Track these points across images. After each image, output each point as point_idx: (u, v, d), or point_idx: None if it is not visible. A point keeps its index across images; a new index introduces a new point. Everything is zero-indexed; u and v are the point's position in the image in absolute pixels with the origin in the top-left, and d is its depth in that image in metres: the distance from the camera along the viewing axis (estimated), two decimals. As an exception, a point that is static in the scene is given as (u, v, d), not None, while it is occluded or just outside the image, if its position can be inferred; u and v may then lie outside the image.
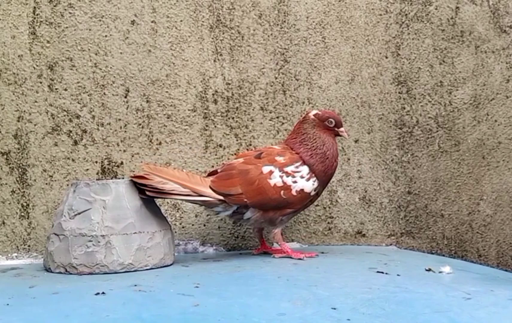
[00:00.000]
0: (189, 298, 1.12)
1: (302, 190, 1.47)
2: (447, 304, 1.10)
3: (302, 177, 1.47)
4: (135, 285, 1.21)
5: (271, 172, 1.46)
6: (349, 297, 1.13)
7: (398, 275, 1.31)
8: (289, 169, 1.47)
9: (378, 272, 1.33)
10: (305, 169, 1.48)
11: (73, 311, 1.06)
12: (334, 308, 1.06)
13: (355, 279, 1.28)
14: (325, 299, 1.12)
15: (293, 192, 1.46)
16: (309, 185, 1.48)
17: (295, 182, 1.46)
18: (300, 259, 1.46)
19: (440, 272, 1.34)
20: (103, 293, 1.15)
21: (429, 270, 1.36)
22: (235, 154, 1.70)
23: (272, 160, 1.48)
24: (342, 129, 1.55)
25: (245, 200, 1.44)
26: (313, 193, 1.49)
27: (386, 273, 1.31)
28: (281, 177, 1.46)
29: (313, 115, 1.53)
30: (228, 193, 1.43)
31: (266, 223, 1.49)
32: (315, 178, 1.49)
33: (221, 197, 1.43)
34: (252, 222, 1.49)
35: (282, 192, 1.45)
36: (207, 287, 1.20)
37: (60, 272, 1.36)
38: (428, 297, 1.15)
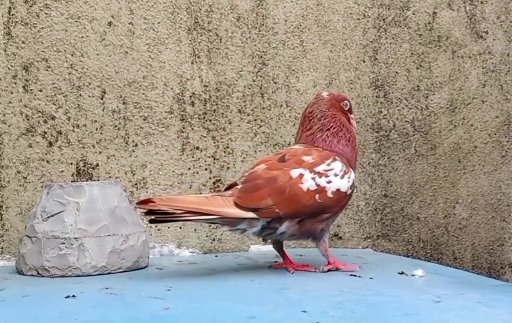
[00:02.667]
0: (160, 301, 1.11)
1: (338, 190, 1.28)
2: (417, 307, 1.11)
3: (336, 175, 1.28)
4: (107, 288, 1.20)
5: (301, 176, 1.27)
6: (320, 300, 1.14)
7: (370, 278, 1.31)
8: (320, 168, 1.28)
9: (351, 275, 1.33)
10: (337, 165, 1.30)
11: (41, 314, 1.05)
12: (304, 311, 1.06)
13: (327, 282, 1.28)
14: (296, 302, 1.13)
15: (329, 194, 1.27)
16: (345, 183, 1.29)
17: (329, 182, 1.28)
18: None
19: (412, 275, 1.35)
20: (73, 296, 1.14)
21: (402, 273, 1.37)
22: (212, 156, 1.70)
23: (299, 161, 1.28)
24: (352, 116, 1.39)
25: (277, 211, 1.25)
26: (349, 191, 1.30)
27: (359, 276, 1.32)
28: (313, 179, 1.27)
29: (327, 94, 1.36)
30: (258, 207, 1.24)
31: (304, 236, 1.30)
32: (349, 173, 1.30)
33: (249, 215, 1.24)
34: (286, 237, 1.30)
35: (317, 195, 1.27)
36: (179, 290, 1.20)
37: (32, 275, 1.35)
38: (398, 300, 1.15)
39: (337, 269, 1.33)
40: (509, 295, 1.23)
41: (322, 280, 1.30)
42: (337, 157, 1.32)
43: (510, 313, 1.08)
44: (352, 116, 1.40)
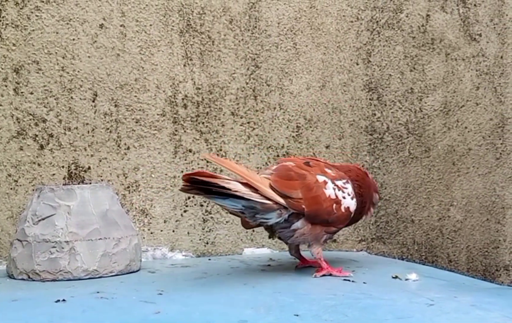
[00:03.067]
0: (151, 305, 1.10)
1: (348, 208, 1.38)
2: (410, 311, 1.10)
3: (349, 194, 1.39)
4: (98, 292, 1.19)
5: (325, 182, 1.36)
6: (313, 304, 1.13)
7: (364, 282, 1.31)
8: (339, 183, 1.38)
9: (345, 279, 1.33)
10: (350, 188, 1.40)
11: (30, 319, 1.04)
12: (297, 315, 1.06)
13: (321, 286, 1.28)
14: (289, 305, 1.12)
15: (342, 209, 1.37)
16: (353, 204, 1.40)
17: (344, 198, 1.37)
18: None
19: (406, 279, 1.35)
20: (63, 300, 1.13)
21: (396, 277, 1.36)
22: (205, 159, 1.69)
23: (322, 170, 1.38)
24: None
25: (303, 206, 1.31)
26: (352, 214, 1.41)
27: (353, 281, 1.31)
28: (334, 189, 1.36)
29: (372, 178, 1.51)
30: (290, 195, 1.29)
31: (310, 237, 1.35)
32: (355, 199, 1.41)
33: (280, 200, 1.27)
34: (297, 235, 1.34)
35: (334, 205, 1.35)
36: (170, 294, 1.19)
37: (22, 279, 1.34)
38: (391, 303, 1.15)
39: (330, 275, 1.36)
40: (503, 298, 1.22)
41: (316, 284, 1.30)
42: (349, 181, 1.41)
43: (504, 316, 1.08)
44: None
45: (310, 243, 1.36)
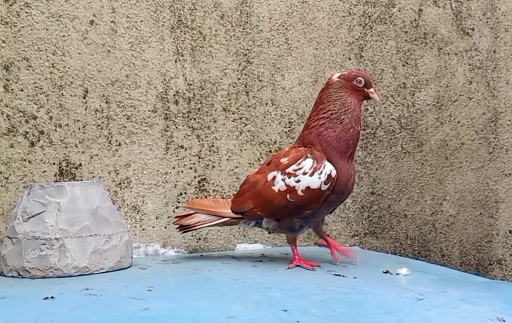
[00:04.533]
0: (139, 302, 1.10)
1: (308, 187, 1.32)
2: (399, 305, 1.10)
3: (304, 173, 1.32)
4: (87, 289, 1.18)
5: (274, 178, 1.36)
6: (302, 299, 1.13)
7: (354, 277, 1.30)
8: (290, 169, 1.34)
9: (335, 274, 1.32)
10: (307, 163, 1.33)
11: (17, 316, 1.03)
12: (285, 310, 1.05)
13: (311, 281, 1.27)
14: (278, 301, 1.12)
15: (299, 193, 1.32)
16: (315, 180, 1.31)
17: (298, 181, 1.32)
18: (310, 268, 1.34)
19: (397, 273, 1.34)
20: (52, 297, 1.12)
21: (387, 272, 1.36)
22: (197, 155, 1.69)
23: (277, 163, 1.37)
24: (372, 89, 1.36)
25: (259, 213, 1.37)
26: (324, 186, 1.31)
27: (343, 276, 1.31)
28: (283, 180, 1.34)
29: (338, 77, 1.36)
30: (242, 211, 1.39)
31: (285, 230, 1.39)
32: (321, 168, 1.32)
33: (239, 217, 1.40)
34: (271, 231, 1.43)
35: (288, 195, 1.33)
36: (160, 291, 1.18)
37: (13, 276, 1.34)
38: (380, 298, 1.14)
39: (298, 266, 1.37)
40: (493, 292, 1.22)
41: (306, 279, 1.29)
42: (308, 155, 1.35)
43: (492, 309, 1.08)
44: (371, 89, 1.36)
45: (287, 233, 1.41)
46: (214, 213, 1.43)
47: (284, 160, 1.37)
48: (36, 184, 1.38)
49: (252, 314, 1.05)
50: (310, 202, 1.33)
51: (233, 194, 1.69)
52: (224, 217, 1.42)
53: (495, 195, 1.89)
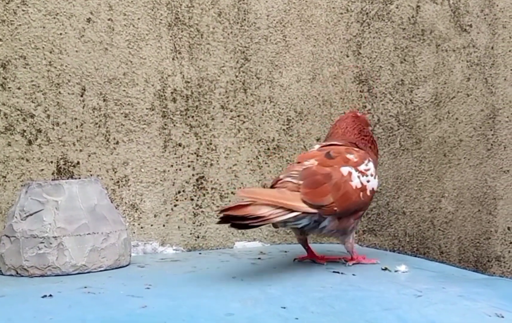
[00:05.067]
0: (138, 299, 1.10)
1: (373, 189, 1.35)
2: (397, 302, 1.10)
3: (372, 175, 1.35)
4: (85, 287, 1.18)
5: (350, 174, 1.31)
6: (301, 296, 1.13)
7: (353, 274, 1.30)
8: (362, 168, 1.34)
9: (334, 271, 1.32)
10: (371, 166, 1.36)
11: (16, 315, 1.03)
12: (284, 307, 1.05)
13: (310, 278, 1.27)
14: (276, 298, 1.12)
15: (368, 193, 1.33)
16: (376, 183, 1.36)
17: (368, 181, 1.34)
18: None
19: (396, 271, 1.34)
20: (50, 295, 1.12)
21: (385, 269, 1.36)
22: (195, 152, 1.69)
23: (345, 159, 1.33)
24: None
25: (335, 209, 1.27)
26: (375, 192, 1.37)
27: (342, 273, 1.31)
28: (359, 177, 1.32)
29: (364, 115, 1.51)
30: (322, 204, 1.25)
31: (339, 233, 1.32)
32: (377, 174, 1.37)
33: (314, 211, 1.24)
34: (325, 232, 1.31)
35: (361, 194, 1.31)
36: (158, 288, 1.18)
37: (11, 275, 1.34)
38: (379, 295, 1.14)
39: (358, 263, 1.37)
40: (491, 288, 1.22)
41: (305, 276, 1.29)
42: (370, 159, 1.39)
43: (491, 306, 1.08)
44: None
45: (339, 237, 1.34)
46: (282, 205, 1.20)
47: (352, 157, 1.34)
48: (34, 183, 1.38)
49: (251, 311, 1.05)
50: (368, 204, 1.37)
51: (232, 192, 1.69)
52: (294, 211, 1.21)
53: (493, 192, 1.89)
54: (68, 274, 1.32)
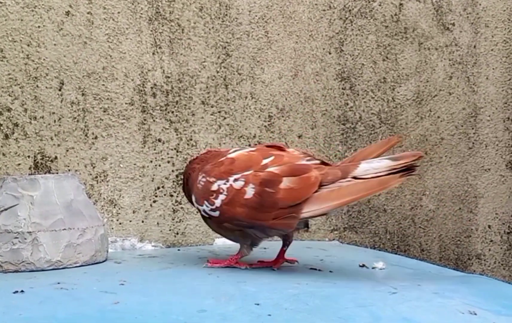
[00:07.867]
0: (110, 295, 1.09)
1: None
2: (372, 299, 1.09)
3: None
4: (58, 283, 1.17)
5: None
6: (275, 293, 1.12)
7: (330, 271, 1.30)
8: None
9: (311, 268, 1.32)
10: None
11: (-15, 310, 1.01)
12: (258, 304, 1.05)
13: (286, 275, 1.27)
14: (251, 295, 1.11)
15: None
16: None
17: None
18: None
19: (373, 267, 1.34)
20: (22, 291, 1.11)
21: (363, 266, 1.35)
22: (175, 148, 1.68)
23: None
24: None
25: None
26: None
27: (319, 270, 1.31)
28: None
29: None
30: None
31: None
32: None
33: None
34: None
35: None
36: (132, 285, 1.17)
37: (-16, 270, 1.32)
38: (354, 292, 1.14)
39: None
40: (466, 286, 1.22)
41: (281, 273, 1.29)
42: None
43: (465, 303, 1.08)
44: None
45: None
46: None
47: None
48: (9, 177, 1.36)
49: (224, 307, 1.04)
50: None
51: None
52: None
53: (474, 190, 1.90)
54: (42, 270, 1.30)
